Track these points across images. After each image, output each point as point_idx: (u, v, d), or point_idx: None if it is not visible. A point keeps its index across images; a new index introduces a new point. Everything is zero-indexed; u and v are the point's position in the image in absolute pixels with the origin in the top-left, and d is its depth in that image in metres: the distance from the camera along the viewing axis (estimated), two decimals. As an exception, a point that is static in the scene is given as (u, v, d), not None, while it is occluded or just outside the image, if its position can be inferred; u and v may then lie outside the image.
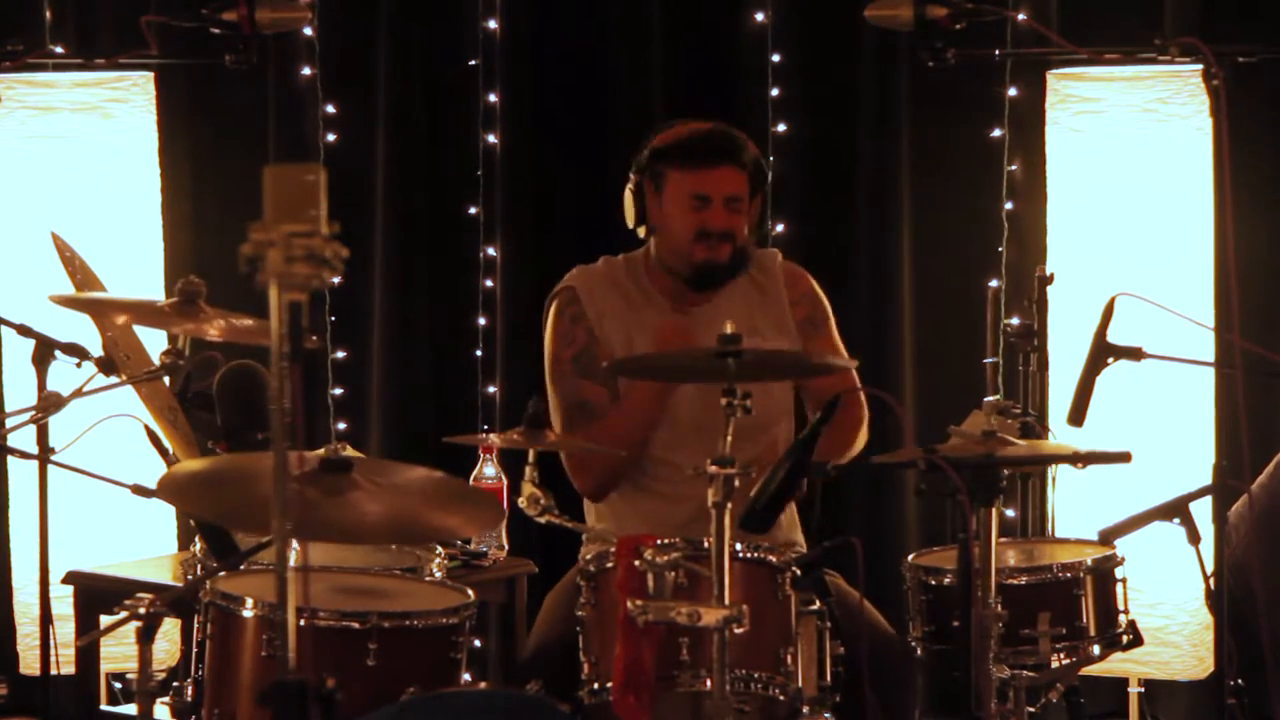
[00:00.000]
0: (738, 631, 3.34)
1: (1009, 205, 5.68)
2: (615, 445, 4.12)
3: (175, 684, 3.68)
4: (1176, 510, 4.09)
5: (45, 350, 4.23)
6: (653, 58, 5.94)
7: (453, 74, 5.94)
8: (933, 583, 4.09)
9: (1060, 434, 4.64)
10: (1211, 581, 4.04)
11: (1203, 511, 4.09)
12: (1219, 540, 4.00)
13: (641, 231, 4.38)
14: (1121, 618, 4.15)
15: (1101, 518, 4.30)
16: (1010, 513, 5.40)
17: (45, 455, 4.22)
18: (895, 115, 5.80)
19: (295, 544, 3.15)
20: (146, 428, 4.13)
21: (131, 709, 4.04)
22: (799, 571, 3.63)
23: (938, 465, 3.50)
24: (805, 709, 3.61)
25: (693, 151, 4.25)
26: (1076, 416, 4.31)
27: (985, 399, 4.16)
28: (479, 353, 5.94)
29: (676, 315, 4.30)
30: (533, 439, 3.78)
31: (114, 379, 4.19)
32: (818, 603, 3.64)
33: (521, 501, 3.86)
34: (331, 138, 5.90)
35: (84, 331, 4.39)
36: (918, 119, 5.80)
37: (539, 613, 4.22)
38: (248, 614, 3.49)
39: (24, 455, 4.26)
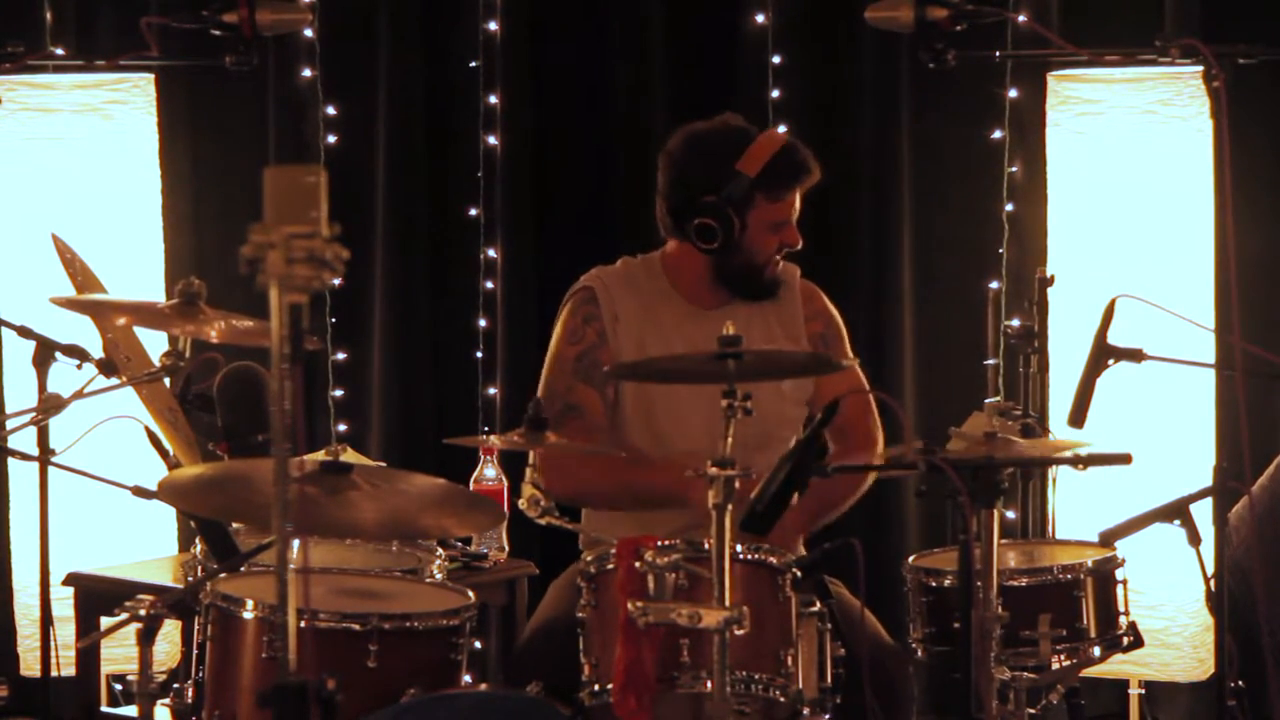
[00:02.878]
0: (738, 633, 3.34)
1: (1009, 207, 5.68)
2: (595, 492, 4.19)
3: (176, 685, 3.68)
4: (1177, 512, 4.09)
5: (46, 352, 4.23)
6: (653, 58, 5.94)
7: (453, 74, 5.94)
8: (933, 584, 4.09)
9: (1061, 436, 4.64)
10: (1212, 583, 4.04)
11: (1203, 513, 4.09)
12: (1219, 542, 4.00)
13: (671, 244, 4.36)
14: (1122, 619, 4.15)
15: (1102, 519, 4.30)
16: (1010, 514, 5.40)
17: (46, 457, 4.22)
18: (896, 117, 5.81)
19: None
20: (147, 429, 4.13)
21: (132, 710, 4.02)
22: (799, 573, 3.63)
23: (938, 467, 3.50)
24: (806, 710, 3.61)
25: (786, 179, 4.25)
26: (1077, 418, 4.31)
27: (986, 400, 4.16)
28: (479, 354, 5.94)
29: (695, 319, 4.30)
30: (533, 440, 3.78)
31: (114, 380, 4.19)
32: (818, 604, 3.65)
33: (522, 503, 3.86)
34: (332, 139, 5.90)
35: (84, 333, 4.39)
36: (918, 120, 5.81)
37: (541, 599, 4.24)
38: (248, 615, 3.48)
39: (24, 457, 4.26)
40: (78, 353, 4.22)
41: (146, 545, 5.33)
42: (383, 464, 5.14)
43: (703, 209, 4.24)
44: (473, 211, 5.93)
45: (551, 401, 4.23)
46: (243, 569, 3.69)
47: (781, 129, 5.72)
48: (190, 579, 3.88)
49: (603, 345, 4.29)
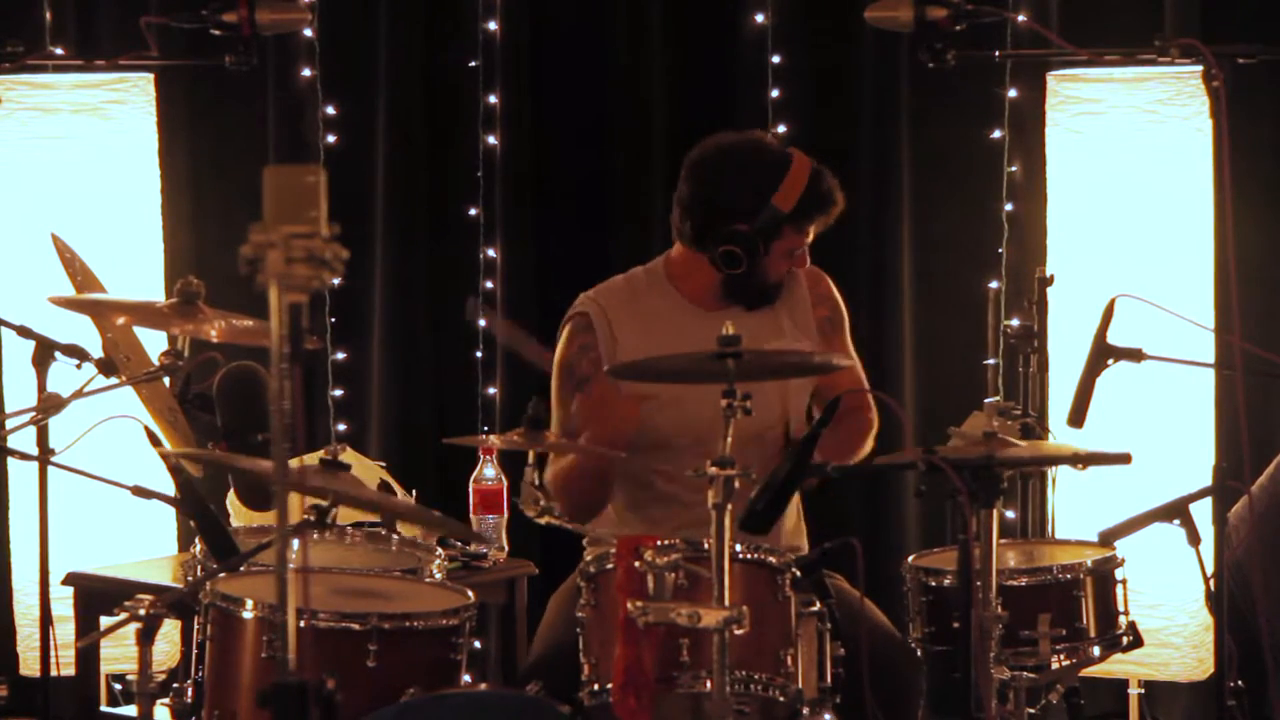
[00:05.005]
0: (738, 633, 3.34)
1: (1009, 206, 5.68)
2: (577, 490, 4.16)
3: (175, 685, 3.69)
4: (1176, 511, 4.09)
5: (45, 351, 4.23)
6: (653, 59, 5.94)
7: (453, 74, 5.94)
8: (933, 584, 4.09)
9: (1060, 435, 4.64)
10: (1211, 583, 4.04)
11: (1203, 513, 4.09)
12: (1219, 541, 4.00)
13: (678, 248, 4.36)
14: (1121, 619, 4.16)
15: (1101, 519, 4.30)
16: (1010, 514, 5.40)
17: (45, 456, 4.22)
18: (895, 117, 5.81)
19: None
20: (146, 429, 4.13)
21: (132, 710, 4.03)
22: (799, 572, 3.63)
23: (938, 466, 3.50)
24: (805, 710, 3.61)
25: (816, 213, 4.24)
26: (1076, 418, 4.32)
27: (985, 400, 4.16)
28: (479, 354, 5.94)
29: (699, 321, 4.29)
30: (533, 440, 3.79)
31: (114, 380, 4.19)
32: (818, 604, 3.65)
33: (521, 502, 3.86)
34: (331, 139, 5.90)
35: (84, 332, 4.39)
36: (918, 120, 5.80)
37: (543, 617, 4.22)
38: (248, 615, 3.49)
39: (24, 456, 4.25)
40: (77, 352, 4.22)
41: (146, 545, 5.33)
42: (382, 463, 5.14)
43: (732, 237, 4.21)
44: (473, 211, 5.93)
45: (565, 428, 4.21)
46: (242, 569, 3.69)
47: (781, 129, 5.72)
48: (190, 579, 3.88)
49: (599, 376, 4.22)
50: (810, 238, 4.29)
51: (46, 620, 4.44)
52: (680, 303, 4.34)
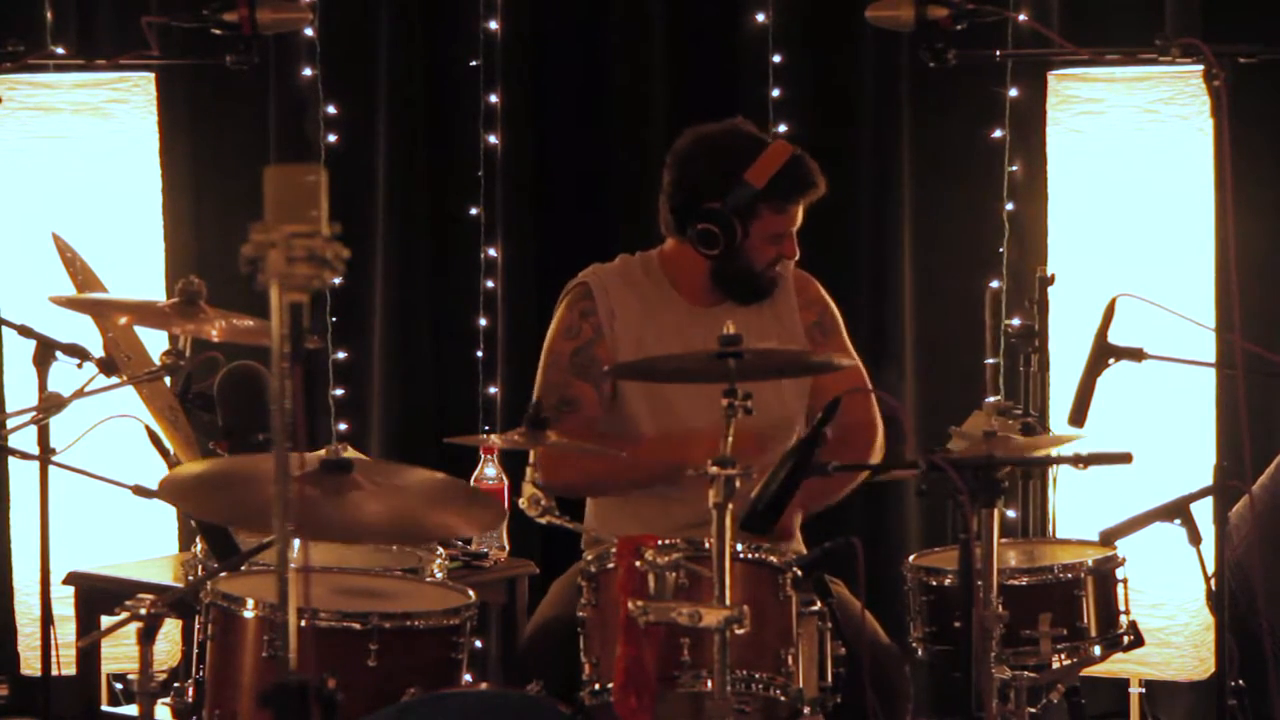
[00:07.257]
0: (739, 632, 3.34)
1: (1010, 206, 5.68)
2: (596, 478, 4.17)
3: (176, 685, 3.69)
4: (1177, 511, 4.09)
5: (46, 351, 4.23)
6: (653, 58, 5.94)
7: (453, 74, 5.94)
8: (934, 583, 4.09)
9: (1060, 434, 4.64)
10: (1212, 582, 4.04)
11: (1203, 512, 4.09)
12: (1220, 541, 4.00)
13: (670, 242, 4.38)
14: (1122, 618, 4.16)
15: (1102, 518, 4.30)
16: (1011, 513, 5.40)
17: (46, 456, 4.22)
18: (896, 116, 5.81)
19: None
20: (147, 428, 4.13)
21: (132, 710, 4.03)
22: (799, 572, 3.63)
23: (939, 466, 3.50)
24: (806, 709, 3.61)
25: (792, 193, 4.25)
26: (1077, 417, 4.32)
27: (986, 400, 4.16)
28: (480, 353, 5.94)
29: (692, 317, 4.30)
30: (534, 440, 3.78)
31: (115, 379, 4.19)
32: (818, 603, 3.65)
33: (522, 502, 3.87)
34: (332, 138, 5.90)
35: (85, 332, 4.39)
36: (919, 120, 5.80)
37: (543, 598, 4.25)
38: (249, 615, 3.49)
39: (25, 456, 4.26)
40: (78, 352, 4.22)
41: (147, 544, 5.33)
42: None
43: (706, 215, 4.25)
44: (473, 211, 5.93)
45: (547, 396, 4.24)
46: (243, 568, 3.69)
47: (782, 128, 5.73)
48: (190, 578, 3.89)
49: (599, 341, 4.30)
50: (796, 223, 4.30)
51: (47, 620, 4.44)
52: (673, 296, 4.36)
